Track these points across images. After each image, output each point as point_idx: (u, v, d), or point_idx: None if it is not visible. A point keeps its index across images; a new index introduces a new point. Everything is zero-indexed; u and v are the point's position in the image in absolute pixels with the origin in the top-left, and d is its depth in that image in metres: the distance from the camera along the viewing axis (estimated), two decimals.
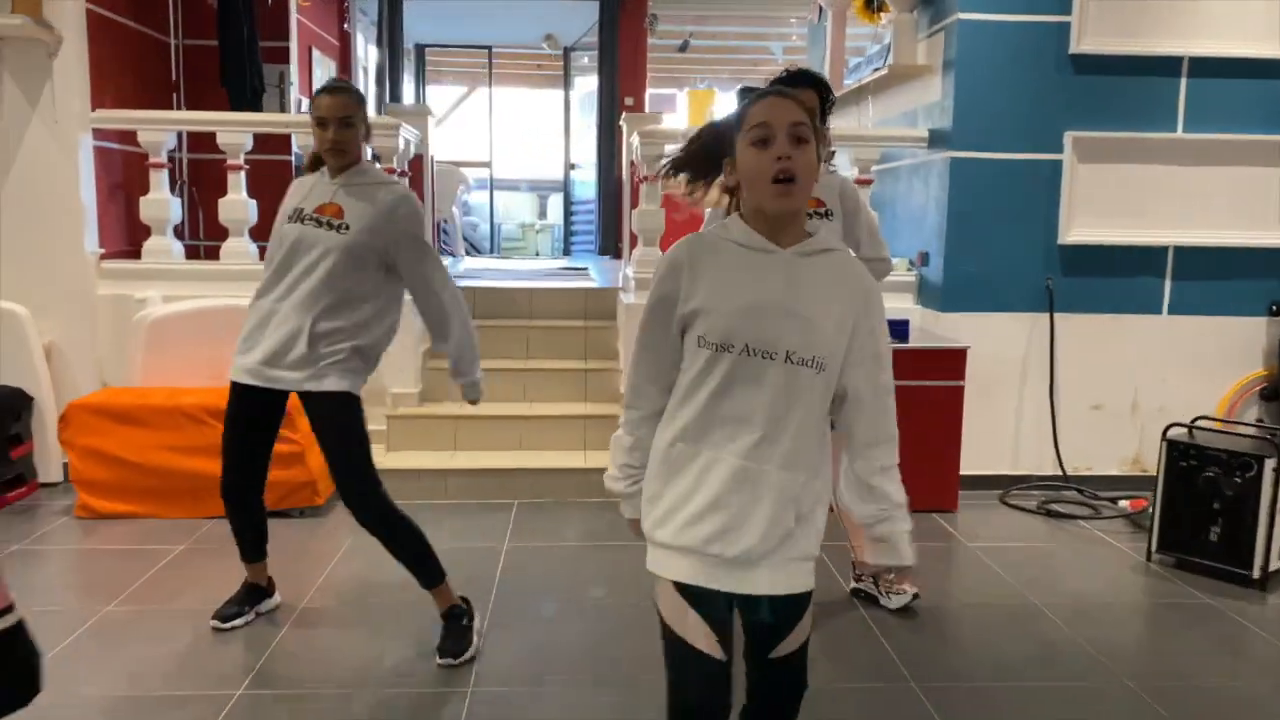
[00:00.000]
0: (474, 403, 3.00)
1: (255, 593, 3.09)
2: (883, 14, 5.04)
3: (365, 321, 2.79)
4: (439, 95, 12.47)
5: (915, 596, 3.17)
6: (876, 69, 5.13)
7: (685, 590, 1.60)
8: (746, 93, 1.69)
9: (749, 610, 1.66)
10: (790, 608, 1.64)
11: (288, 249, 2.76)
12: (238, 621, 3.00)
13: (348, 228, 2.73)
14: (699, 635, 1.59)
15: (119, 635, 2.96)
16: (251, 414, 2.88)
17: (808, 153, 1.57)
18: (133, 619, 3.08)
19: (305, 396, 2.79)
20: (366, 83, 9.75)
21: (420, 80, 11.39)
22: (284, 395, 2.84)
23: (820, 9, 6.78)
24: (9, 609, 1.27)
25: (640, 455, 1.70)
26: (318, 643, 2.95)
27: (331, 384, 2.76)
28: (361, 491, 2.80)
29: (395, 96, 9.24)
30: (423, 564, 2.86)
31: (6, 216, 4.35)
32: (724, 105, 11.50)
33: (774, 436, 1.56)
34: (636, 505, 1.71)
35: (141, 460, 3.97)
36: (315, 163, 2.87)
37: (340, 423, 2.80)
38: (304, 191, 2.82)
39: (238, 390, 2.85)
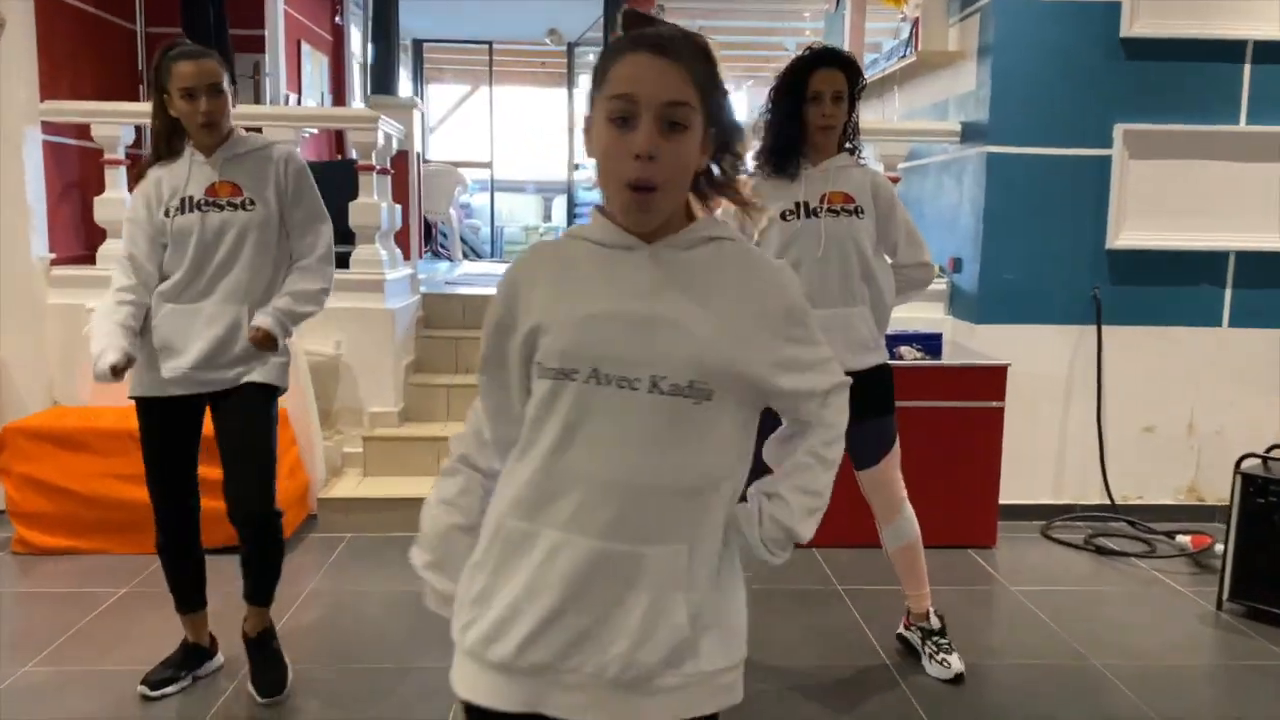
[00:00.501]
0: (259, 338, 2.43)
1: (194, 654, 2.67)
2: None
3: None
4: (440, 95, 12.09)
5: (960, 676, 2.72)
6: (902, 56, 4.70)
7: None
8: (629, 20, 1.20)
9: None
10: None
11: (196, 243, 2.40)
12: (170, 689, 2.58)
13: (252, 202, 2.42)
14: None
15: (34, 702, 2.55)
16: (179, 432, 2.50)
17: (683, 146, 1.11)
18: (54, 682, 2.66)
19: (232, 391, 2.46)
20: (364, 79, 9.35)
21: (419, 78, 11.00)
22: (204, 404, 2.48)
23: None
24: None
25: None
26: (262, 716, 2.52)
27: (273, 376, 2.49)
28: (270, 496, 2.50)
29: (389, 94, 8.83)
30: (273, 584, 2.62)
31: None
32: (735, 103, 11.09)
33: (642, 501, 1.12)
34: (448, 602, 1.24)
35: (85, 490, 3.56)
36: (159, 152, 2.47)
37: (267, 418, 2.50)
38: (179, 179, 2.43)
39: (159, 408, 2.46)
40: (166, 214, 2.40)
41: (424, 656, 2.80)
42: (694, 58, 1.13)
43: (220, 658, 2.74)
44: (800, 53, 2.59)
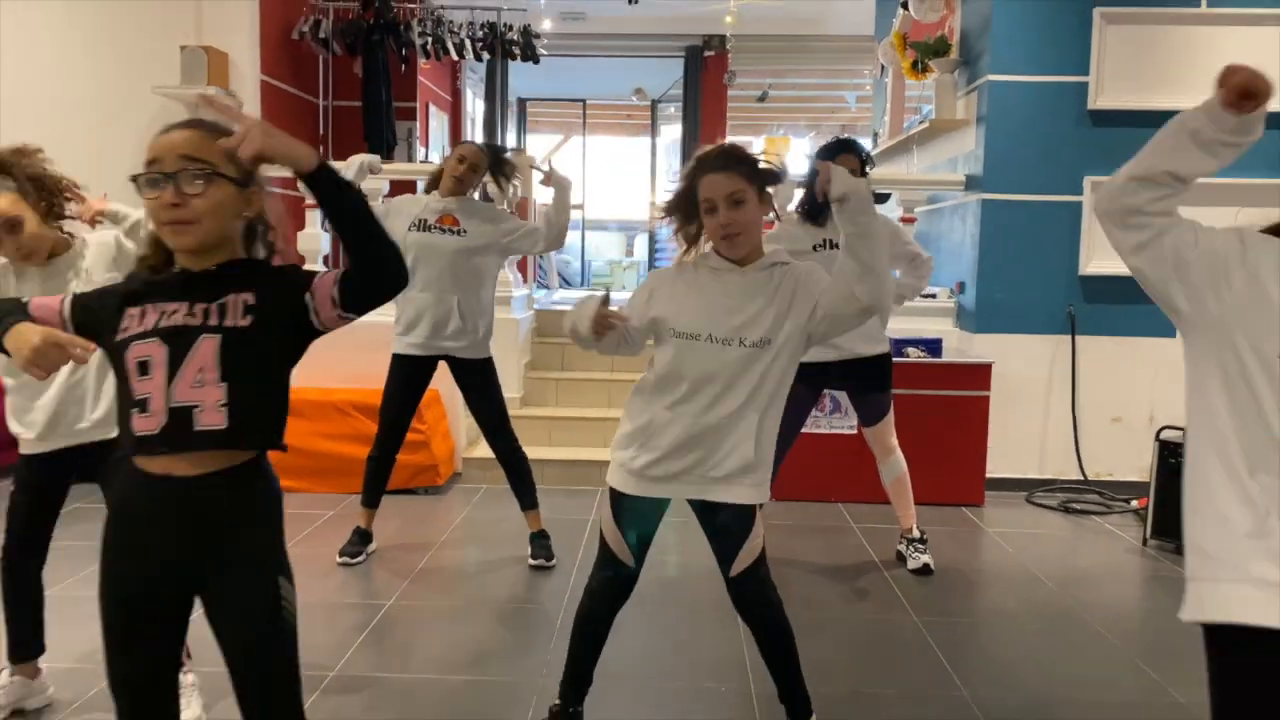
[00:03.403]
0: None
1: (366, 536, 3.93)
2: (927, 74, 5.74)
3: None
4: (537, 143, 13.53)
5: (928, 567, 3.81)
6: (921, 121, 5.83)
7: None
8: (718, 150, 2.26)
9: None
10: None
11: (427, 254, 3.71)
12: (361, 558, 3.85)
13: (465, 230, 3.72)
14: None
15: None
16: (416, 383, 3.87)
17: (743, 213, 2.16)
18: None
19: (469, 364, 3.85)
20: (473, 132, 10.80)
21: (521, 130, 12.44)
22: (434, 363, 3.84)
23: (883, 66, 7.51)
24: None
25: None
26: (416, 619, 3.72)
27: (487, 350, 3.92)
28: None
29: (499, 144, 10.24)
30: (529, 493, 3.97)
31: None
32: (799, 151, 12.25)
33: (729, 396, 2.20)
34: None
35: (299, 445, 4.85)
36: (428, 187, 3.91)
37: (495, 383, 3.98)
38: (419, 207, 3.78)
39: (407, 362, 3.81)
40: (410, 228, 3.72)
41: (536, 581, 3.97)
42: (741, 163, 2.21)
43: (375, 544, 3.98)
44: (828, 140, 3.75)
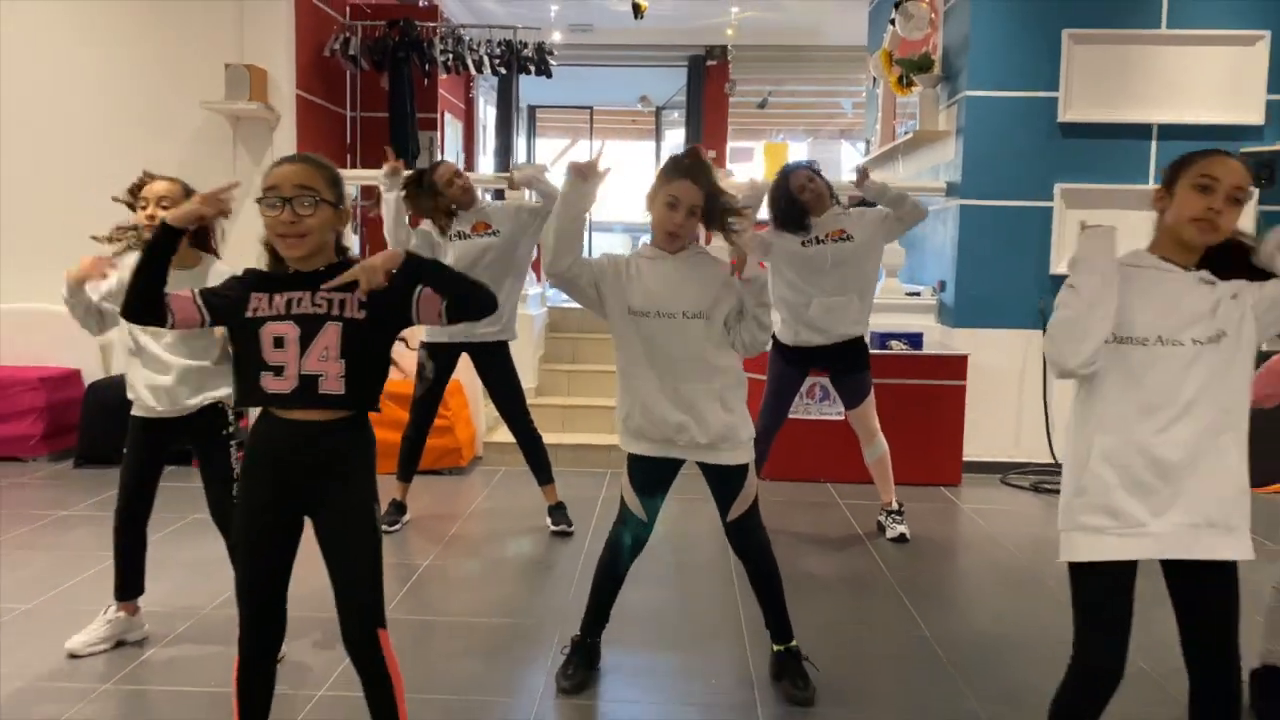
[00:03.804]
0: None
1: (400, 508, 4.40)
2: (912, 88, 6.18)
3: None
4: (545, 147, 13.98)
5: (904, 536, 4.26)
6: (906, 132, 6.28)
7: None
8: (689, 154, 2.72)
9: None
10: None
11: (471, 254, 4.14)
12: (398, 526, 4.31)
13: (497, 231, 4.17)
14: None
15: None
16: (447, 372, 4.34)
17: (691, 219, 2.59)
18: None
19: (489, 347, 4.27)
20: (486, 139, 11.27)
21: (531, 135, 12.90)
22: (460, 351, 4.30)
23: (874, 79, 7.94)
24: None
25: None
26: (450, 575, 4.13)
27: (512, 334, 4.39)
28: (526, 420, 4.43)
29: (509, 149, 10.68)
30: (546, 468, 4.39)
31: (235, 249, 5.81)
32: (796, 156, 12.71)
33: (691, 365, 2.64)
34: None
35: None
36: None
37: (513, 367, 4.41)
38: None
39: (443, 352, 4.28)
40: (452, 238, 4.16)
41: (554, 546, 4.42)
42: (707, 176, 2.64)
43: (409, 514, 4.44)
44: (790, 163, 4.19)
